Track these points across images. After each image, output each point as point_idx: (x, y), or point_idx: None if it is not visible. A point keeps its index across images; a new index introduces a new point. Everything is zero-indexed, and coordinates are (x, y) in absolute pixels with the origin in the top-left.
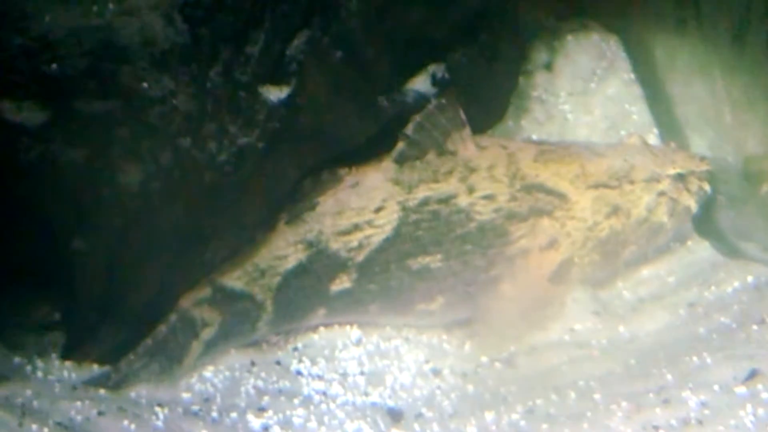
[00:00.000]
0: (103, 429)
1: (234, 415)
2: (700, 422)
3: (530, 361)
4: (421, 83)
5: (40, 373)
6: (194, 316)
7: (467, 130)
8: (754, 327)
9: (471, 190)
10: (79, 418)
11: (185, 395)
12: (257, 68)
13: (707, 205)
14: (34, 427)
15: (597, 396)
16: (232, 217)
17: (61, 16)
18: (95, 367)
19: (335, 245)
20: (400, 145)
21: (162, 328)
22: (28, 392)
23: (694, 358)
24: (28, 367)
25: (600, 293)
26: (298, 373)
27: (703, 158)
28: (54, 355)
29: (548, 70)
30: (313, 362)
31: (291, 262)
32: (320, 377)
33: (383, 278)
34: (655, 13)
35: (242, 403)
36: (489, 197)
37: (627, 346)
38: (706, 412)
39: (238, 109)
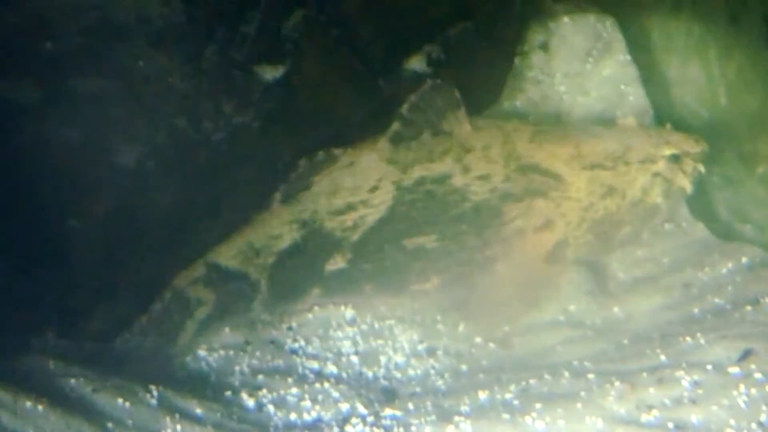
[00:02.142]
0: (97, 406)
1: (228, 393)
2: (693, 402)
3: (524, 342)
4: (417, 63)
5: (35, 351)
6: (189, 295)
7: (462, 111)
8: (748, 308)
9: (466, 171)
10: (73, 395)
11: (180, 374)
12: (253, 47)
13: (702, 187)
14: (29, 404)
15: (591, 376)
16: (227, 197)
17: None
18: (90, 344)
19: (330, 225)
20: (396, 125)
21: (157, 307)
22: (23, 369)
23: (688, 339)
24: (24, 345)
25: (595, 274)
26: (293, 352)
27: (698, 139)
28: (49, 333)
29: (544, 50)
30: (308, 341)
31: (286, 242)
32: (314, 356)
33: (378, 258)
34: None
35: (236, 382)
36: (484, 177)
37: (621, 326)
38: (700, 391)
39: (233, 89)
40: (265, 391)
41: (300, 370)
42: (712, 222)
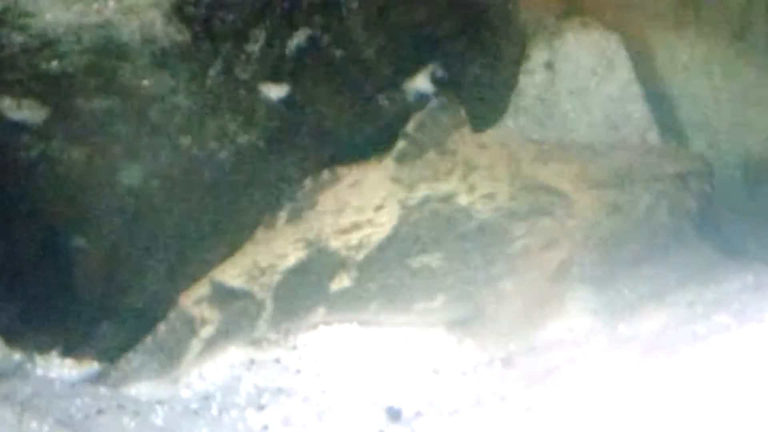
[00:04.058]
0: (102, 426)
1: (234, 413)
2: None
3: (529, 360)
4: (421, 82)
5: (39, 371)
6: (194, 314)
7: (467, 129)
8: (754, 325)
9: (471, 189)
10: (78, 415)
11: (185, 393)
12: (258, 66)
13: (707, 205)
14: (34, 424)
15: (597, 395)
16: (232, 216)
17: (61, 13)
18: (95, 364)
19: (335, 244)
20: (401, 144)
21: (162, 326)
22: (28, 389)
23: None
24: (28, 365)
25: (600, 292)
26: (298, 371)
27: (703, 158)
28: (54, 353)
29: (549, 68)
30: (313, 360)
31: (291, 261)
32: (320, 375)
33: (383, 277)
34: (655, 12)
35: (242, 401)
36: (489, 196)
37: (626, 345)
38: None
39: (238, 107)
40: (270, 410)
41: (305, 389)
42: (718, 239)
